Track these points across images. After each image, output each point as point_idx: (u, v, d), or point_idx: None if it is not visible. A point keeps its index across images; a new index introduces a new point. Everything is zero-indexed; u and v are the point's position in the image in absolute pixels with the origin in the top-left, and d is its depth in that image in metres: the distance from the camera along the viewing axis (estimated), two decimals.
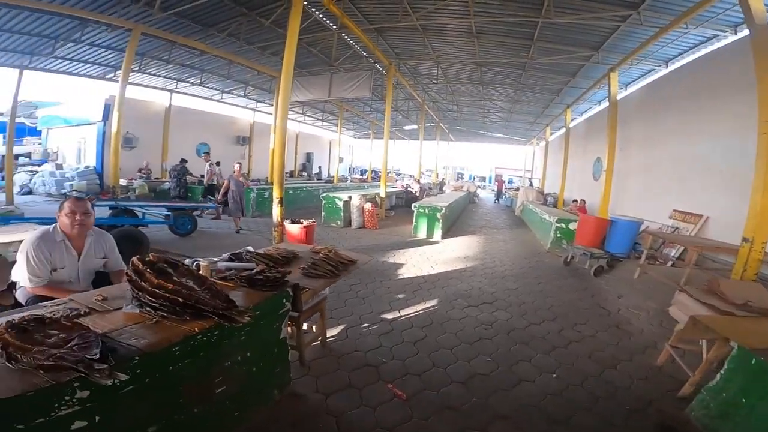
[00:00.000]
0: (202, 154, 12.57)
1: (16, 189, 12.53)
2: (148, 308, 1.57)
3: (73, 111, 15.19)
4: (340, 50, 10.99)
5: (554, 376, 2.93)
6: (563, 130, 15.54)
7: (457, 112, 20.71)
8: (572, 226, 7.61)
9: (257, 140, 19.46)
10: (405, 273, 5.63)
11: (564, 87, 12.84)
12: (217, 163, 11.69)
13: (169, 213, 6.72)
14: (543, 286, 5.38)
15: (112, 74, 12.31)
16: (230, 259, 2.52)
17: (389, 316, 3.90)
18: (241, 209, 8.09)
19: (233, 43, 10.38)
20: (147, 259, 1.74)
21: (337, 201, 9.00)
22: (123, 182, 12.03)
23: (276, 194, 5.76)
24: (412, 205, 8.93)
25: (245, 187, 8.49)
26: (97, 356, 1.20)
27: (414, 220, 8.61)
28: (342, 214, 8.94)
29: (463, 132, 28.53)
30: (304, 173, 21.68)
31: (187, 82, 14.59)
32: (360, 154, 36.04)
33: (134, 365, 1.34)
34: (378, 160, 17.70)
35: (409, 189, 15.35)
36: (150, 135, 14.68)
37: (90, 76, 12.57)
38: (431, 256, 6.82)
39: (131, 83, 12.92)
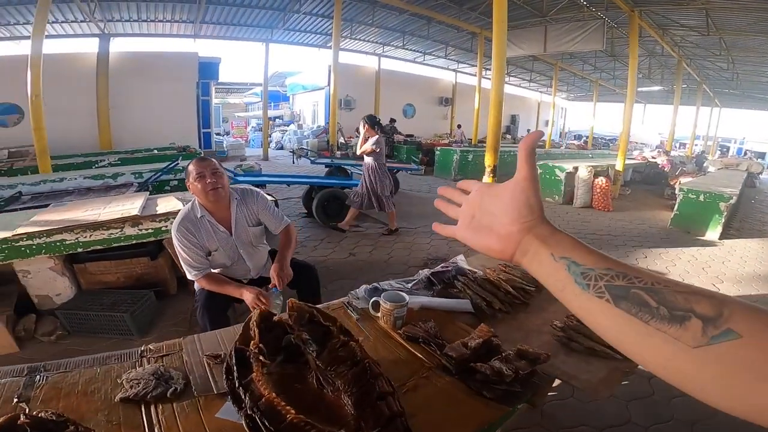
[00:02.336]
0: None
1: (272, 145, 15.90)
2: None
3: (308, 78, 17.92)
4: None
5: None
6: None
7: (732, 72, 14.53)
8: None
9: (459, 101, 18.95)
10: None
11: None
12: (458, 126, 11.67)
13: None
14: None
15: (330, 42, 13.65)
16: (429, 281, 1.57)
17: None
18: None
19: (427, 1, 9.97)
20: (266, 319, 0.93)
21: (557, 171, 7.21)
22: (343, 140, 13.50)
23: (488, 161, 4.68)
24: (677, 186, 6.28)
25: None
26: None
27: (675, 207, 6.04)
28: (562, 188, 7.13)
29: (737, 96, 20.20)
30: (508, 136, 19.79)
31: (392, 45, 14.96)
32: (574, 118, 31.09)
33: None
34: (600, 125, 14.32)
35: (651, 162, 11.64)
36: (365, 97, 15.79)
37: (315, 46, 14.16)
38: (709, 266, 4.48)
39: (344, 49, 13.97)
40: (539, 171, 7.44)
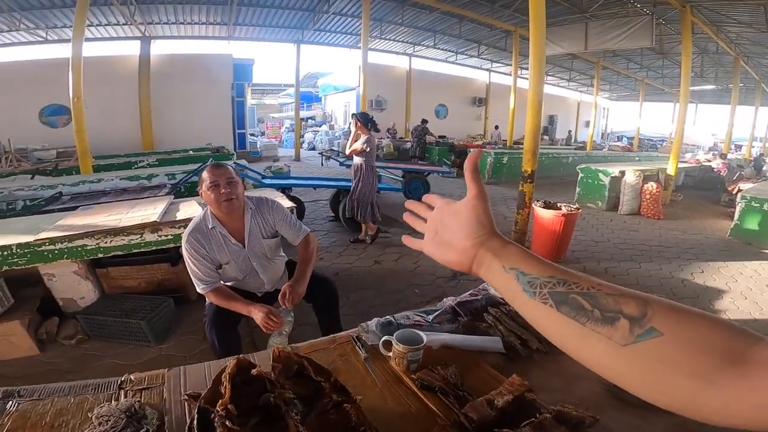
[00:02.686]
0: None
1: (305, 146, 16.11)
2: None
3: (339, 79, 17.90)
4: None
5: None
6: None
7: None
8: None
9: (493, 101, 18.38)
10: (728, 306, 3.34)
11: None
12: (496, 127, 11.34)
13: (402, 178, 6.47)
14: None
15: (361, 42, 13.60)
16: (454, 312, 1.35)
17: None
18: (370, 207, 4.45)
19: None
20: (243, 371, 0.81)
21: (601, 175, 6.70)
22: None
23: (526, 166, 4.36)
24: (737, 193, 5.66)
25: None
26: None
27: (736, 216, 5.43)
28: (607, 193, 6.62)
29: None
30: (545, 137, 18.89)
31: (422, 45, 14.74)
32: (617, 118, 29.70)
33: None
34: (646, 125, 13.46)
35: (704, 165, 10.71)
36: (395, 97, 15.63)
37: (345, 46, 14.17)
38: None
39: (374, 49, 13.98)
40: (581, 175, 7.00)
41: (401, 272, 3.76)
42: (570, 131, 20.76)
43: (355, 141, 4.23)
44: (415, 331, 1.11)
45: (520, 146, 12.27)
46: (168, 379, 1.06)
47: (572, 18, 10.07)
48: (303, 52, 13.40)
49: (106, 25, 10.04)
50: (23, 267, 2.32)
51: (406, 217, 0.61)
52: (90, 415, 0.90)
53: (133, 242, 2.48)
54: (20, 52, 10.72)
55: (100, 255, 2.46)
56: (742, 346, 0.32)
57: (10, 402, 0.95)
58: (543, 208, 4.12)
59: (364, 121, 4.17)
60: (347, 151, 4.42)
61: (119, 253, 2.51)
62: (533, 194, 4.43)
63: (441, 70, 17.55)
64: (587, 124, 21.40)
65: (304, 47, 13.25)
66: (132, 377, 1.06)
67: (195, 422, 0.69)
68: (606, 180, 6.62)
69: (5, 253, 2.24)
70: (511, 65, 12.76)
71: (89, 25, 9.52)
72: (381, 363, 1.12)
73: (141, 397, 0.99)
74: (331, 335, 1.28)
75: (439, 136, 12.59)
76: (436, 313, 1.32)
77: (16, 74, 10.06)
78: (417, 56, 16.10)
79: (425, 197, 0.60)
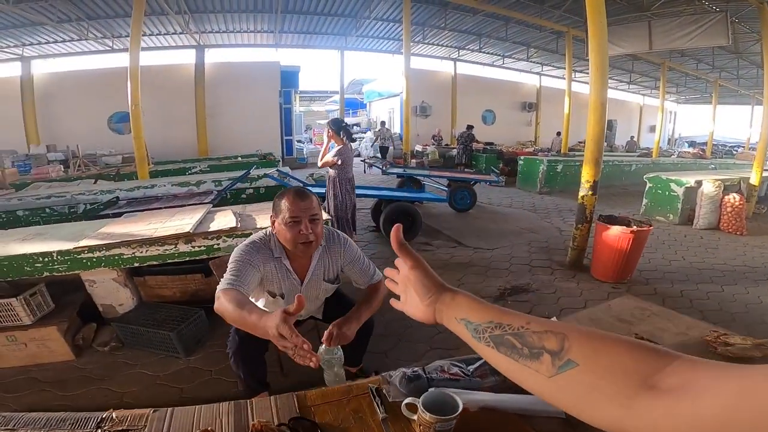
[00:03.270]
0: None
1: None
2: None
3: (384, 85, 17.80)
4: None
5: None
6: None
7: None
8: None
9: (545, 106, 17.46)
10: None
11: None
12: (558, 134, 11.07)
13: (447, 188, 6.21)
14: None
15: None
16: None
17: None
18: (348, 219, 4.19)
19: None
20: None
21: (673, 185, 5.96)
22: (419, 147, 13.19)
23: (587, 175, 3.92)
24: None
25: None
26: None
27: None
28: (680, 205, 5.88)
29: None
30: (604, 143, 17.62)
31: (467, 49, 14.35)
32: (685, 122, 27.38)
33: None
34: (719, 130, 12.28)
35: None
36: (441, 103, 15.29)
37: (388, 52, 14.16)
38: None
39: (416, 54, 13.79)
40: (649, 185, 6.29)
41: None
42: (632, 137, 19.23)
43: (327, 152, 3.97)
44: (449, 394, 0.88)
45: (575, 153, 11.50)
46: (151, 422, 0.93)
47: (632, 16, 9.42)
48: (347, 59, 13.53)
49: (165, 34, 10.70)
50: (64, 273, 2.35)
51: (387, 283, 0.69)
52: None
53: (167, 252, 2.44)
54: (90, 61, 11.69)
55: (136, 264, 2.45)
56: (655, 369, 0.34)
57: None
58: (605, 222, 3.66)
59: (336, 128, 3.90)
60: (319, 163, 4.13)
61: (154, 262, 2.48)
62: (594, 206, 3.97)
63: (487, 74, 16.98)
64: (652, 129, 19.72)
65: (348, 53, 13.43)
66: (114, 415, 0.96)
67: None
68: (679, 191, 5.87)
69: (46, 259, 2.28)
70: (562, 68, 12.04)
71: (148, 35, 10.17)
72: (402, 426, 0.90)
73: None
74: (348, 383, 1.09)
75: (486, 143, 12.08)
76: (478, 364, 1.06)
77: (88, 82, 10.99)
78: (462, 60, 15.69)
79: (396, 261, 0.64)
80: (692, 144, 20.77)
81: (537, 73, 17.61)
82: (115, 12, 9.00)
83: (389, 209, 4.64)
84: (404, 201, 4.84)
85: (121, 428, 0.92)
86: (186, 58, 11.90)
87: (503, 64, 16.16)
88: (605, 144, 18.07)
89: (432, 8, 10.42)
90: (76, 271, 2.38)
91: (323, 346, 1.29)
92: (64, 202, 4.44)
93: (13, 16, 8.12)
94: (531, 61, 15.62)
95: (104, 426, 0.93)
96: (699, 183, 5.70)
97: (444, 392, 0.89)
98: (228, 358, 1.70)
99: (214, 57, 12.16)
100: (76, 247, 2.27)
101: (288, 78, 12.81)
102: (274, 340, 0.97)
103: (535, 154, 10.47)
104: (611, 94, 20.83)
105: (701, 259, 4.49)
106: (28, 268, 2.30)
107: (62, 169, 7.76)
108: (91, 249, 2.30)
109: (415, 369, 1.01)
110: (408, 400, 0.90)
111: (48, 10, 8.19)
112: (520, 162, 8.89)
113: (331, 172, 4.00)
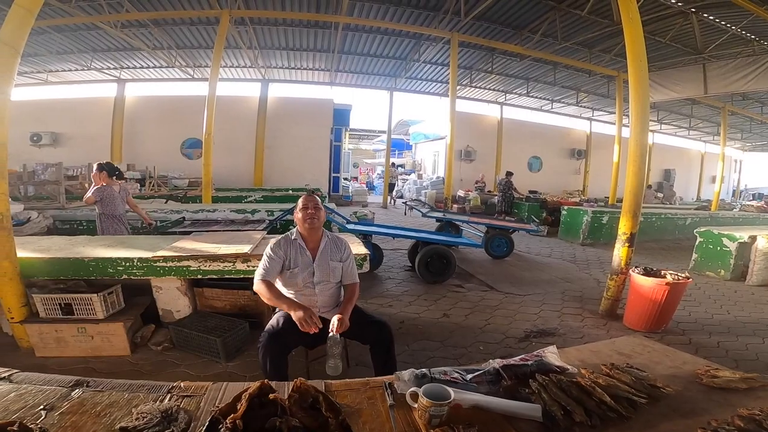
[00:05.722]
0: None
1: (394, 193, 16.46)
2: None
3: (430, 127, 18.21)
4: (706, 35, 8.27)
5: None
6: None
7: None
8: None
9: (595, 153, 16.91)
10: None
11: None
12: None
13: (484, 234, 6.35)
14: None
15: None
16: (498, 375, 1.25)
17: None
18: None
19: (551, 45, 9.51)
20: (263, 394, 0.96)
21: (725, 240, 5.65)
22: (461, 193, 13.29)
23: (624, 227, 3.91)
24: None
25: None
26: None
27: None
28: (732, 261, 5.54)
29: None
30: (660, 194, 16.52)
31: (515, 93, 14.50)
32: (752, 172, 25.21)
33: None
34: None
35: None
36: (486, 148, 15.33)
37: (436, 94, 14.62)
38: None
39: (462, 97, 14.13)
40: (699, 239, 6.00)
41: (469, 328, 3.56)
42: (672, 188, 17.99)
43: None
44: (445, 387, 1.10)
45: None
46: (209, 392, 1.18)
47: (686, 60, 9.29)
48: (396, 99, 14.12)
49: (236, 66, 11.94)
50: (139, 278, 2.78)
51: None
52: (133, 410, 1.04)
53: (226, 269, 2.82)
54: (170, 88, 13.08)
55: (199, 276, 2.84)
56: None
57: (77, 390, 1.15)
58: (642, 274, 3.60)
59: (100, 168, 4.08)
60: (84, 199, 4.35)
61: (214, 276, 2.86)
62: (632, 258, 3.91)
63: (535, 119, 16.88)
64: (714, 179, 18.48)
65: (396, 94, 14.03)
66: (182, 384, 1.22)
67: (204, 429, 0.79)
68: (732, 246, 5.55)
69: (127, 264, 2.73)
70: (614, 113, 11.87)
71: (222, 66, 11.26)
72: (405, 413, 1.11)
73: (181, 403, 1.11)
74: (366, 378, 1.31)
75: (530, 191, 11.98)
76: (477, 373, 1.26)
77: (167, 107, 12.23)
78: (509, 104, 15.76)
79: None
80: (759, 196, 19.11)
81: (587, 119, 17.15)
82: (198, 43, 10.20)
83: (425, 251, 4.87)
84: (440, 244, 5.03)
85: (185, 394, 1.18)
86: (251, 90, 13.12)
87: (551, 108, 16.00)
88: (661, 195, 16.81)
89: (479, 53, 10.82)
90: (149, 277, 2.81)
91: (331, 334, 1.77)
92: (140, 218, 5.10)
93: (117, 39, 9.39)
94: (581, 106, 15.37)
95: (173, 392, 1.19)
96: (753, 238, 5.38)
97: (441, 386, 1.10)
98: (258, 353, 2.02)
99: (275, 91, 13.24)
100: (154, 256, 2.71)
101: (340, 116, 13.50)
102: (297, 318, 1.85)
103: (580, 204, 10.24)
104: (670, 141, 20.01)
105: (748, 313, 4.23)
106: (110, 270, 2.75)
107: (138, 187, 8.80)
108: (165, 259, 2.73)
109: (423, 370, 1.24)
110: (412, 389, 1.12)
111: (146, 36, 9.43)
112: (564, 212, 8.78)
113: (97, 209, 4.14)
